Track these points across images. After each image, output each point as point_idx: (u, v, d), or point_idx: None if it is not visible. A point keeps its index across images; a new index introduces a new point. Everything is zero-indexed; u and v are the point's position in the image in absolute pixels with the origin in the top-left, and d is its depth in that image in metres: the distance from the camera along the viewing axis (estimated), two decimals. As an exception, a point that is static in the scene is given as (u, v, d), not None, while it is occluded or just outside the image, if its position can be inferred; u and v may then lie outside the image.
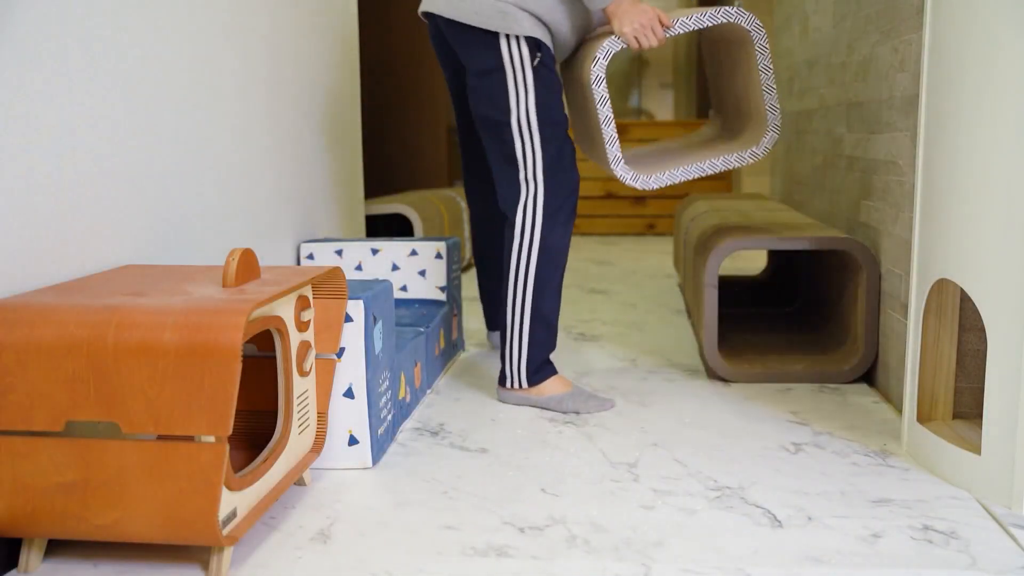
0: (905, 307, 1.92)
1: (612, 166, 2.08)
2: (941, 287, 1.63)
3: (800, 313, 2.93)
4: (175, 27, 1.75)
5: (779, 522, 1.39)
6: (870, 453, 1.69)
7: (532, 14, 1.97)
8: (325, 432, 1.56)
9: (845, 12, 2.51)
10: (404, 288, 2.40)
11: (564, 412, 1.98)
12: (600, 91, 2.02)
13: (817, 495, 1.50)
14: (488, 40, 1.97)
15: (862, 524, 1.38)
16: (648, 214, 5.73)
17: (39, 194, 1.35)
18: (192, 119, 1.81)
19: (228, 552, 1.23)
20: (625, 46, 2.03)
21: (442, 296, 2.39)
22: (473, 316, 3.08)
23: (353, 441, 1.64)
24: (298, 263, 2.40)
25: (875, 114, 2.17)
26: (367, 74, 5.06)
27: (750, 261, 4.41)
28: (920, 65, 1.74)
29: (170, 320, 1.17)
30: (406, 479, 1.59)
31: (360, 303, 1.60)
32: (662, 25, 2.03)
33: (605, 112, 2.03)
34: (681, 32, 2.07)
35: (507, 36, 1.96)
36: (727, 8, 2.07)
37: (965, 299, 1.66)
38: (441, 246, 2.39)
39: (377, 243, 2.41)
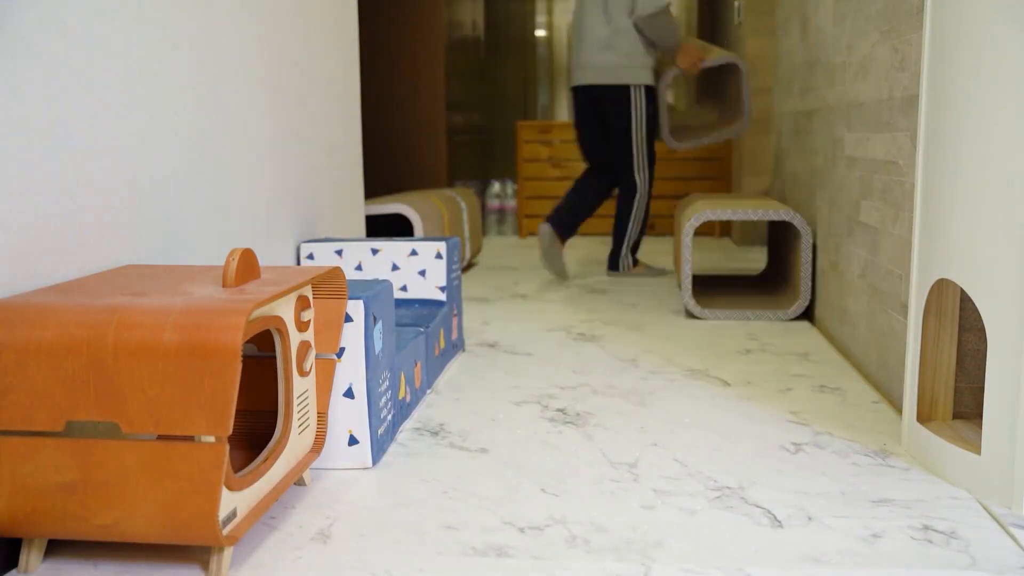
0: (905, 307, 1.92)
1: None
2: (941, 287, 1.63)
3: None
4: (175, 27, 1.75)
5: (779, 522, 1.40)
6: (870, 453, 1.69)
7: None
8: (325, 432, 1.56)
9: (845, 12, 2.51)
10: (404, 288, 2.40)
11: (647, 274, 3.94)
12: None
13: (817, 495, 1.50)
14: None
15: (862, 524, 1.38)
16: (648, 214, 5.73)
17: (39, 194, 1.35)
18: (192, 119, 1.82)
19: (228, 552, 1.23)
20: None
21: (442, 296, 2.39)
22: (473, 316, 3.08)
23: (353, 441, 1.64)
24: (298, 263, 2.40)
25: (875, 114, 2.17)
26: (367, 74, 5.06)
27: (751, 263, 4.41)
28: (920, 65, 1.74)
29: (170, 320, 1.17)
30: (406, 479, 1.59)
31: (360, 303, 1.60)
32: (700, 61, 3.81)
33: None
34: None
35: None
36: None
37: (965, 299, 1.66)
38: (441, 246, 2.39)
39: (377, 243, 2.41)
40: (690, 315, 3.04)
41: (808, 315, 2.98)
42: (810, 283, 2.89)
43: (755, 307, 2.99)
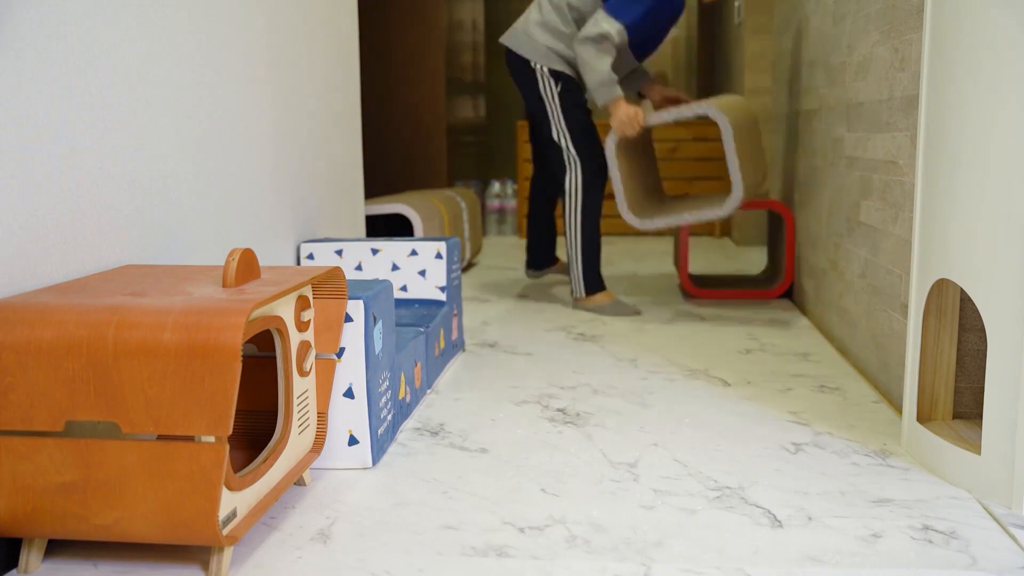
0: (905, 307, 1.92)
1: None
2: (941, 287, 1.63)
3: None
4: (175, 27, 1.75)
5: (779, 522, 1.40)
6: (870, 453, 1.69)
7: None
8: (325, 432, 1.57)
9: (845, 12, 2.51)
10: (404, 288, 2.40)
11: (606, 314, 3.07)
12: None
13: (817, 495, 1.50)
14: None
15: (862, 524, 1.38)
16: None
17: (39, 194, 1.35)
18: (192, 119, 1.82)
19: (228, 552, 1.23)
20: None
21: (442, 296, 2.39)
22: (473, 316, 3.08)
23: (353, 441, 1.64)
24: (298, 263, 2.40)
25: (875, 114, 2.17)
26: (367, 74, 5.06)
27: (751, 263, 4.41)
28: (920, 65, 1.74)
29: (170, 320, 1.17)
30: (406, 479, 1.59)
31: (360, 303, 1.60)
32: (638, 121, 2.90)
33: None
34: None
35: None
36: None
37: (965, 299, 1.66)
38: (441, 246, 2.39)
39: (377, 243, 2.41)
40: (690, 315, 3.05)
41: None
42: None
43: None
